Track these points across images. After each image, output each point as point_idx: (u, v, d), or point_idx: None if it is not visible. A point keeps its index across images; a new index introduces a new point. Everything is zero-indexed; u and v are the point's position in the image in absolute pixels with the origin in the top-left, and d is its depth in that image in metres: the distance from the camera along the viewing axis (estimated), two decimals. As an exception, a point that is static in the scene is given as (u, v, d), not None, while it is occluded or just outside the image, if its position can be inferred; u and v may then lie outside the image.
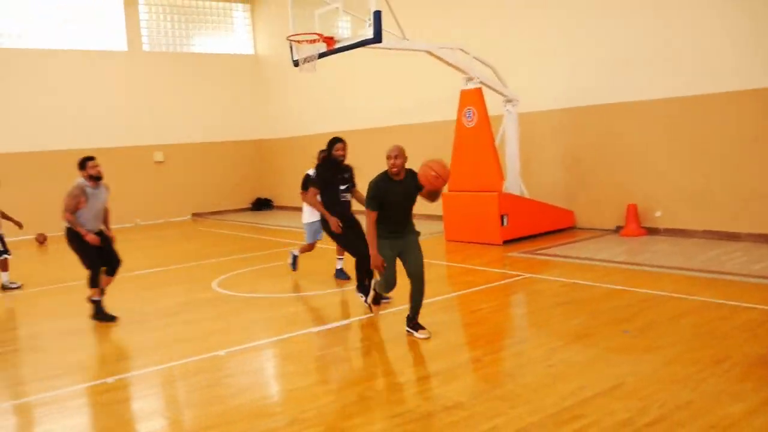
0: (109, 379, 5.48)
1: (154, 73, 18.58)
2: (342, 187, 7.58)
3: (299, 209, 16.23)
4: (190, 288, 9.07)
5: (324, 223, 7.48)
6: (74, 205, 7.17)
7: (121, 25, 18.12)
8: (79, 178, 7.31)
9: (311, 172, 8.32)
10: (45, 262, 13.06)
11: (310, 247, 9.21)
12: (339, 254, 8.92)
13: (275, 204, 20.36)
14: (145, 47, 18.60)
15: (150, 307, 8.02)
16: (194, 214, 19.23)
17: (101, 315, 7.32)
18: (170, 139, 18.78)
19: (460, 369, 5.23)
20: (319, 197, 7.56)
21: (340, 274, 8.90)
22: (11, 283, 9.72)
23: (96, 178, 7.36)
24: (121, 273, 7.85)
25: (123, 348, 6.71)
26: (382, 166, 5.97)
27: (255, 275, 9.76)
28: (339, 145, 7.54)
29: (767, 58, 9.33)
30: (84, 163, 7.32)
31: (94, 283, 7.29)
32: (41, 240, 14.73)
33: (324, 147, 7.89)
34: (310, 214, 8.94)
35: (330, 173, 7.56)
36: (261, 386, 5.27)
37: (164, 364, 5.82)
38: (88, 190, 7.26)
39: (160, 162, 18.61)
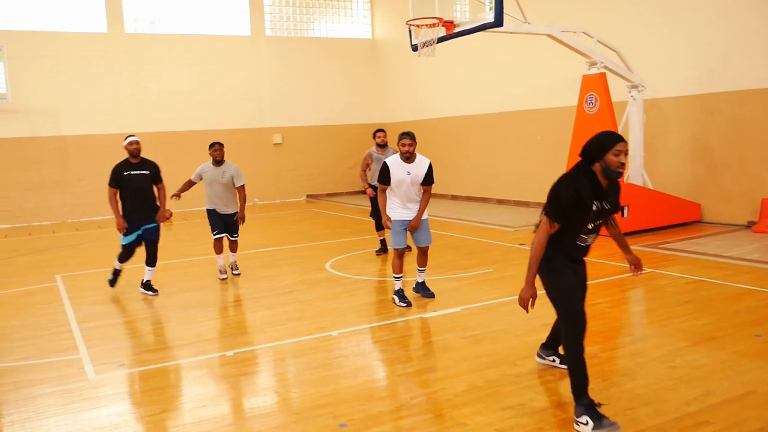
0: (228, 353, 5.71)
1: (275, 57, 19.14)
2: None
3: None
4: (304, 268, 9.30)
5: None
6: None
7: (245, 11, 18.76)
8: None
9: None
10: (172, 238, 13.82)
11: None
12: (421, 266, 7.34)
13: (388, 188, 20.52)
14: (268, 32, 19.17)
15: (266, 284, 8.29)
16: (309, 196, 19.72)
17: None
18: (289, 122, 19.32)
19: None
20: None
21: (422, 289, 7.40)
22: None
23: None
24: (240, 251, 8.26)
25: (240, 323, 6.97)
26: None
27: (367, 258, 9.88)
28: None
29: None
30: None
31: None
32: (168, 216, 15.57)
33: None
34: None
35: None
36: (371, 369, 5.32)
37: (278, 342, 6.00)
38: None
39: (279, 144, 19.19)
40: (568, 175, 4.01)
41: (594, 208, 3.96)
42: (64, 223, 16.27)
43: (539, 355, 5.05)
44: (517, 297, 4.05)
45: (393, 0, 19.35)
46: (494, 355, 5.35)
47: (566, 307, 4.08)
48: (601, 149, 3.90)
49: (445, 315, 6.62)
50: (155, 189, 8.03)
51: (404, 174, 6.84)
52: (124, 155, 7.89)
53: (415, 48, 10.11)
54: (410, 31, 10.15)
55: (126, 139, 7.89)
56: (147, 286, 8.04)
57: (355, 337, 6.08)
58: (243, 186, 8.63)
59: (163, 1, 17.78)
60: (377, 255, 9.99)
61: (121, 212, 7.83)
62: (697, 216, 11.27)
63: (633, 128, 11.05)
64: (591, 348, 5.49)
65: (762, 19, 10.21)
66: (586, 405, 3.89)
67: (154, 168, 7.99)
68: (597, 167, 3.93)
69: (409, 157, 6.84)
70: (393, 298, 7.08)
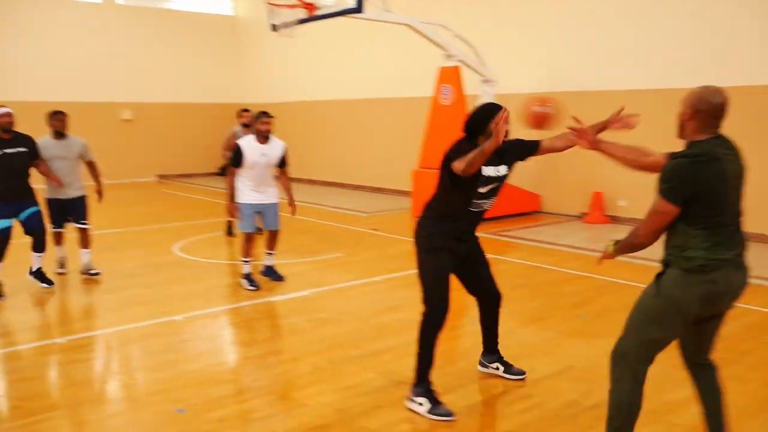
0: (59, 340, 5.41)
1: (126, 28, 18.09)
2: None
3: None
4: (150, 251, 8.97)
5: None
6: None
7: (94, -23, 17.63)
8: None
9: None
10: None
11: None
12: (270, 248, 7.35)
13: (245, 170, 20.16)
14: (119, 0, 18.13)
15: (109, 268, 7.89)
16: (160, 176, 18.95)
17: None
18: (140, 98, 18.40)
19: (415, 345, 5.26)
20: None
21: (271, 273, 7.35)
22: None
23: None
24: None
25: (79, 309, 6.62)
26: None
27: (217, 241, 9.68)
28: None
29: (746, 59, 9.43)
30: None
31: None
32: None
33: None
34: None
35: None
36: (214, 353, 5.24)
37: (119, 326, 5.77)
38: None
39: (129, 120, 18.26)
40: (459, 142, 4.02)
41: (485, 174, 3.97)
42: None
43: (481, 363, 4.66)
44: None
45: (254, -22, 18.96)
46: (339, 337, 5.45)
47: (432, 292, 4.14)
48: (483, 121, 3.95)
49: (293, 298, 6.64)
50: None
51: (258, 156, 6.74)
52: None
53: (274, 28, 10.00)
54: (271, 11, 10.01)
55: None
56: (38, 275, 6.99)
57: (199, 321, 5.96)
58: (94, 161, 7.56)
59: (-1, -42, 16.29)
60: (228, 236, 9.82)
61: None
62: (537, 207, 12.03)
63: (482, 121, 11.56)
64: (431, 329, 5.74)
65: (605, 28, 11.02)
66: (426, 388, 4.04)
67: (31, 144, 6.83)
68: (482, 140, 3.92)
69: (266, 138, 6.77)
70: (241, 282, 7.00)
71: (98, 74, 17.65)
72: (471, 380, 4.49)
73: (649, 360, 3.12)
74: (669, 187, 2.93)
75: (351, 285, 7.07)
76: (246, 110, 9.65)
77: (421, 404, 4.00)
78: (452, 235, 4.15)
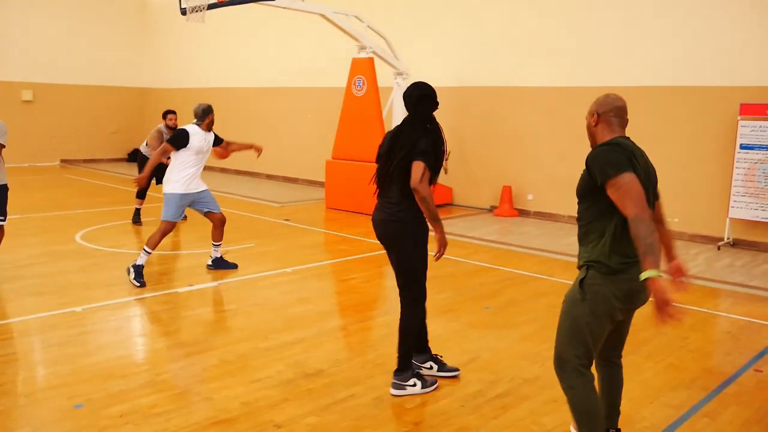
0: (-53, 332, 5.09)
1: (26, 2, 17.15)
2: None
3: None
4: (51, 239, 8.56)
5: None
6: None
7: (-9, -52, 16.60)
8: None
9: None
10: None
11: None
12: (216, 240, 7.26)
13: (154, 157, 19.53)
14: (17, -25, 17.16)
15: (5, 256, 7.48)
16: (63, 161, 18.11)
17: None
18: (42, 78, 17.49)
19: (325, 337, 5.27)
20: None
21: (223, 264, 7.29)
22: None
23: None
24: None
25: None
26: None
27: (122, 230, 9.34)
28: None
29: (645, 59, 9.88)
30: None
31: None
32: None
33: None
34: None
35: None
36: (117, 346, 5.06)
37: (17, 318, 5.48)
38: None
39: (29, 101, 17.33)
40: (427, 129, 4.15)
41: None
42: None
43: (415, 365, 4.42)
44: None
45: (166, -42, 18.33)
46: (247, 329, 5.37)
47: (422, 284, 4.27)
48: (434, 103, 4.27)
49: (201, 289, 6.50)
50: None
51: (204, 143, 6.79)
52: None
53: (183, 12, 9.71)
54: (180, -6, 9.72)
55: None
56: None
57: (101, 312, 5.73)
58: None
59: None
60: (133, 224, 9.50)
61: None
62: (449, 199, 12.24)
63: (396, 113, 11.65)
64: (342, 320, 5.76)
65: (519, 25, 11.29)
66: (413, 370, 4.25)
67: None
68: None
69: (209, 127, 6.85)
70: (129, 272, 6.58)
71: (-5, 51, 16.67)
72: (379, 372, 4.52)
73: (590, 362, 3.17)
74: (610, 163, 2.92)
75: (262, 276, 6.99)
76: (170, 112, 9.38)
77: (414, 385, 4.18)
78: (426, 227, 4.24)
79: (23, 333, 5.22)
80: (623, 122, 3.17)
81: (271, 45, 15.53)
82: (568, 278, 7.22)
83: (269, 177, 15.73)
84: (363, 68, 11.16)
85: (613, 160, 2.94)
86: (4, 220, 6.49)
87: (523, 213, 11.32)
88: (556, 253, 8.46)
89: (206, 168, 7.34)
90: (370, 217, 4.38)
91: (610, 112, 3.14)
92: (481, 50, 11.74)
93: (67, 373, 4.38)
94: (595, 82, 10.22)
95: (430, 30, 12.41)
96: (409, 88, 4.26)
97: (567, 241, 9.18)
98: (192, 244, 8.52)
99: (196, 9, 9.22)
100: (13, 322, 5.42)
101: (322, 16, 10.41)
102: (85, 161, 18.36)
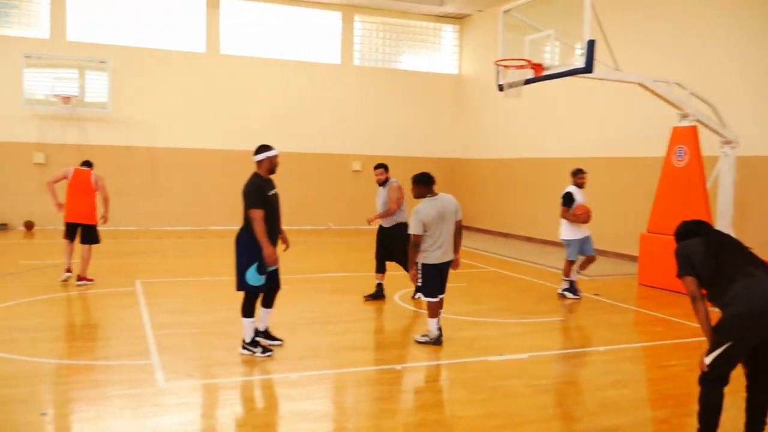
0: (292, 375, 5.76)
1: (361, 86, 19.49)
2: None
3: (484, 231, 16.20)
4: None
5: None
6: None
7: (337, 40, 19.24)
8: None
9: (570, 189, 9.63)
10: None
11: (572, 264, 9.59)
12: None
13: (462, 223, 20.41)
14: (356, 62, 19.58)
15: (334, 309, 8.33)
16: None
17: None
18: (369, 150, 19.55)
19: (642, 427, 4.87)
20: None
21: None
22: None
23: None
24: (308, 274, 8.25)
25: (303, 346, 6.97)
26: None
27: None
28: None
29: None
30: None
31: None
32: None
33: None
34: (570, 231, 9.59)
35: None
36: (429, 408, 5.24)
37: (334, 370, 6.01)
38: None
39: (358, 171, 19.45)
40: None
41: None
42: (147, 230, 16.89)
43: None
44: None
45: (482, 38, 19.43)
46: (560, 407, 5.20)
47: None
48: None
49: (511, 360, 6.48)
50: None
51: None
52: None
53: (501, 88, 10.10)
54: (498, 71, 10.16)
55: (267, 151, 6.38)
56: (269, 335, 6.64)
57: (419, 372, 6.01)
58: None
59: (259, 26, 18.45)
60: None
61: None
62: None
63: (723, 185, 10.63)
64: (660, 412, 5.29)
65: None
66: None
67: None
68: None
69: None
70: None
71: (333, 128, 19.13)
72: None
73: None
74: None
75: (572, 352, 6.78)
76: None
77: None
78: None
79: (346, 384, 5.68)
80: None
81: (582, 115, 15.40)
82: None
83: (574, 248, 15.39)
84: (685, 137, 10.45)
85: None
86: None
87: None
88: None
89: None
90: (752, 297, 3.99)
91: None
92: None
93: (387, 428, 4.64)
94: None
95: (761, 93, 11.22)
96: None
97: None
98: (501, 313, 8.59)
99: (513, 84, 9.56)
100: (334, 373, 5.93)
101: (641, 85, 10.05)
102: (401, 226, 19.89)
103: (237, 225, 6.38)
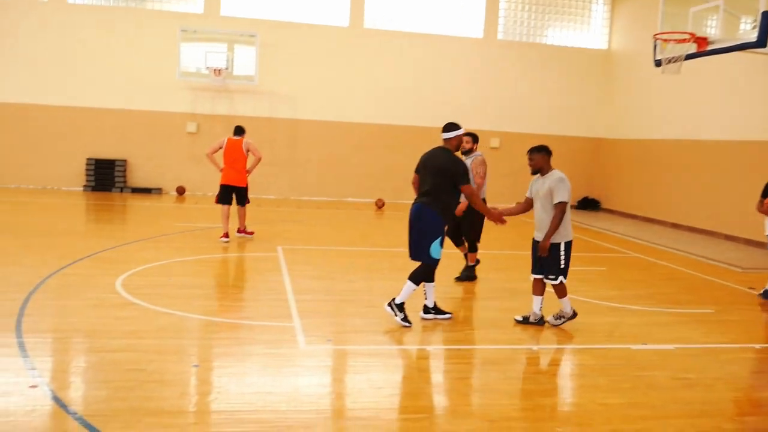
0: (429, 347, 5.79)
1: (503, 61, 19.07)
2: None
3: (627, 215, 15.41)
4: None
5: None
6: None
7: (480, 13, 18.91)
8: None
9: None
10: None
11: None
12: None
13: (603, 206, 19.63)
14: (500, 36, 19.16)
15: (472, 286, 8.27)
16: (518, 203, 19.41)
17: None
18: (507, 127, 19.18)
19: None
20: None
21: None
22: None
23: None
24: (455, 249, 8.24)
25: (441, 321, 6.93)
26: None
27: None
28: None
29: None
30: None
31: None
32: (380, 204, 16.22)
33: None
34: None
35: None
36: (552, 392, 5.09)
37: (468, 345, 5.97)
38: None
39: (496, 148, 19.13)
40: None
41: None
42: (287, 199, 17.58)
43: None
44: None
45: (636, 11, 18.37)
46: (709, 404, 4.87)
47: None
48: None
49: (655, 350, 6.15)
50: None
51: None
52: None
53: (658, 63, 9.55)
54: (655, 45, 9.58)
55: (457, 129, 6.67)
56: (436, 309, 6.77)
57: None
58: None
59: (402, 0, 18.50)
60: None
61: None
62: None
63: None
64: None
65: None
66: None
67: None
68: None
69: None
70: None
71: (471, 104, 18.89)
72: None
73: None
74: None
75: (723, 347, 6.33)
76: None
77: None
78: None
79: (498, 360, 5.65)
80: None
81: (746, 94, 14.22)
82: None
83: (728, 238, 14.35)
84: None
85: None
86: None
87: None
88: None
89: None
90: None
91: None
92: None
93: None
94: None
95: None
96: None
97: None
98: (645, 301, 8.19)
99: (672, 60, 8.97)
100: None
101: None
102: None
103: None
